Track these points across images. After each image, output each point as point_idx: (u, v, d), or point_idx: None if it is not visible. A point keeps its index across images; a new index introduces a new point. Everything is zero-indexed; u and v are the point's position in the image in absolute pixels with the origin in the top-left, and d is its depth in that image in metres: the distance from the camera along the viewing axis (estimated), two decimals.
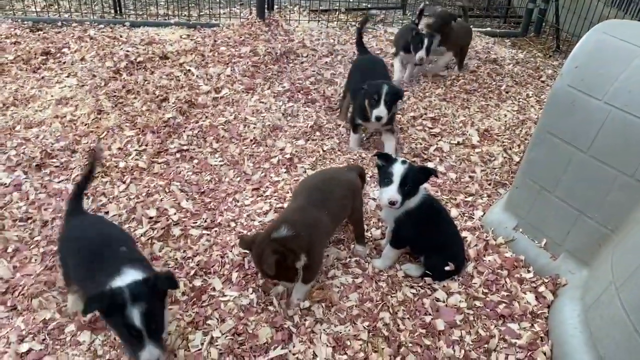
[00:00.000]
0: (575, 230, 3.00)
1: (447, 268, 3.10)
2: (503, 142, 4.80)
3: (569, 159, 2.94)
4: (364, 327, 2.82)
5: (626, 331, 2.26)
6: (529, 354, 2.71)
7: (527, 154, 3.27)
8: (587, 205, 2.91)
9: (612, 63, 2.78)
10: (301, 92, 5.49)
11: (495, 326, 2.86)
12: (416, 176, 3.01)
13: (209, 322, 2.81)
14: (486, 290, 3.07)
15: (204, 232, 3.47)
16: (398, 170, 2.97)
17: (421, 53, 5.55)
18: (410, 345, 2.72)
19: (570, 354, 2.57)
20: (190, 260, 3.23)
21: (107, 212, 3.61)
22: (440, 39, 5.94)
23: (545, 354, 2.70)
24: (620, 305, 2.34)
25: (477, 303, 2.99)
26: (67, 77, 5.45)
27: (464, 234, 3.48)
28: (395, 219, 3.13)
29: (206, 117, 4.85)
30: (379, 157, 3.09)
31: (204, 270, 3.16)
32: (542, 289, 3.05)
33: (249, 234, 3.36)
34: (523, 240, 3.35)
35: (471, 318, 2.91)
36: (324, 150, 4.48)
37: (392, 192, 2.96)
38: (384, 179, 3.02)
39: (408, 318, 2.89)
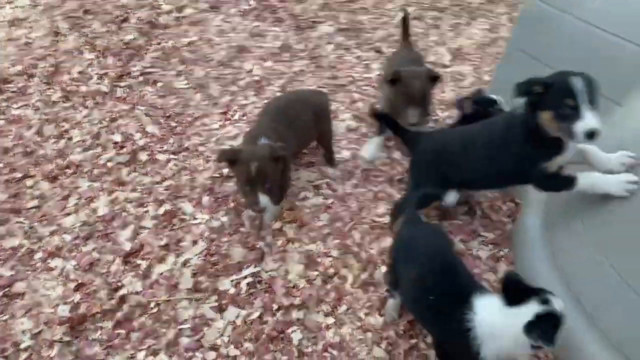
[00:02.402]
0: None
1: None
2: (474, 61, 4.76)
3: (539, 76, 2.92)
4: (334, 246, 2.88)
5: (586, 243, 2.35)
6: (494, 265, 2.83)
7: (497, 71, 3.25)
8: None
9: None
10: (268, 10, 5.27)
11: (462, 240, 2.95)
12: None
13: (181, 244, 2.83)
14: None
15: (172, 156, 3.41)
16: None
17: None
18: (379, 261, 2.79)
19: (533, 267, 2.68)
20: (159, 185, 3.19)
21: (70, 138, 3.50)
22: None
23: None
24: (581, 222, 2.42)
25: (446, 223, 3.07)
26: None
27: None
28: None
29: (169, 38, 4.65)
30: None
31: (174, 194, 3.13)
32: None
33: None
34: None
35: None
36: (293, 72, 4.37)
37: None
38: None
39: (377, 239, 2.95)
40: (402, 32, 4.08)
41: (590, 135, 2.02)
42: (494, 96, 3.01)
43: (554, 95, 2.11)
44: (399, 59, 3.77)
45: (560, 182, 2.33)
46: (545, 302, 1.86)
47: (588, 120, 2.03)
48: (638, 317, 2.08)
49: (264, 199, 2.64)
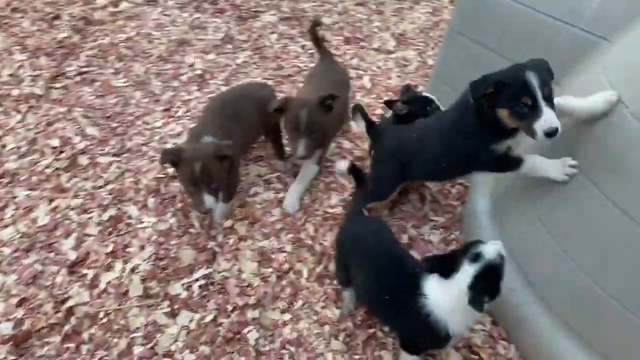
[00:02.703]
0: None
1: None
2: (418, 46, 4.78)
3: (479, 59, 2.96)
4: (288, 240, 2.85)
5: (531, 218, 2.40)
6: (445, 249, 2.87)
7: (440, 55, 3.27)
8: None
9: None
10: (208, 1, 5.13)
11: (414, 226, 2.98)
12: None
13: (128, 250, 2.74)
14: None
15: (114, 159, 3.28)
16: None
17: None
18: (332, 252, 2.78)
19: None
20: (102, 190, 3.07)
21: (3, 146, 3.32)
22: None
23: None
24: (527, 199, 2.47)
25: (398, 211, 3.09)
26: None
27: None
28: None
29: (105, 34, 4.46)
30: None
31: (118, 198, 3.02)
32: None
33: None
34: None
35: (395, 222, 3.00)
36: (237, 64, 4.28)
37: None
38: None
39: (330, 230, 2.93)
40: (314, 44, 3.63)
41: (550, 134, 2.00)
42: (427, 94, 2.96)
43: (511, 93, 2.07)
44: (315, 80, 3.36)
45: (507, 163, 2.35)
46: (475, 258, 1.90)
47: (546, 118, 1.99)
48: (586, 295, 2.14)
49: (209, 200, 2.57)
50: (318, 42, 3.58)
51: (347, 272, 2.33)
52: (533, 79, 2.01)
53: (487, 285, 1.89)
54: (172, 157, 2.60)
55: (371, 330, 2.46)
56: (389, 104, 2.96)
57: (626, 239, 1.97)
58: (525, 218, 2.47)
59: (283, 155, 3.36)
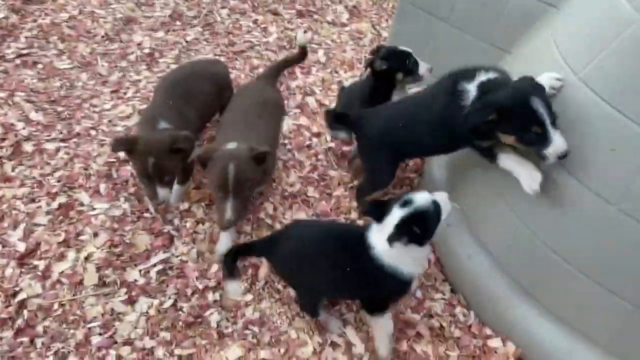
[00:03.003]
0: None
1: None
2: (371, 17, 4.74)
3: (431, 30, 2.96)
4: (247, 220, 2.81)
5: (487, 186, 2.44)
6: None
7: (393, 27, 3.25)
8: None
9: None
10: None
11: None
12: None
13: (81, 238, 2.65)
14: None
15: (61, 144, 3.14)
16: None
17: None
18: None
19: None
20: (50, 177, 2.95)
21: None
22: None
23: None
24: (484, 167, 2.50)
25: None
26: None
27: None
28: None
29: (45, 14, 4.23)
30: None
31: (68, 185, 2.90)
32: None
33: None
34: None
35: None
36: (187, 42, 4.15)
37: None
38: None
39: (290, 208, 2.91)
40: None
41: (562, 157, 1.98)
42: (404, 48, 2.91)
43: (518, 121, 2.01)
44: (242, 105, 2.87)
45: (484, 155, 2.36)
46: (405, 204, 1.95)
47: (558, 144, 1.96)
48: (542, 260, 2.20)
49: (162, 192, 2.50)
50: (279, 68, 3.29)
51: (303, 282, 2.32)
52: (540, 106, 1.95)
53: (414, 227, 1.93)
54: (125, 147, 2.52)
55: (336, 307, 2.48)
56: (369, 64, 2.93)
57: (578, 205, 2.03)
58: (482, 188, 2.51)
59: None
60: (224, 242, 2.63)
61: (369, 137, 2.73)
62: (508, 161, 2.24)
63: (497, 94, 2.07)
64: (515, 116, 2.01)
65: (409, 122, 2.55)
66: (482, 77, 2.18)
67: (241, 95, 2.97)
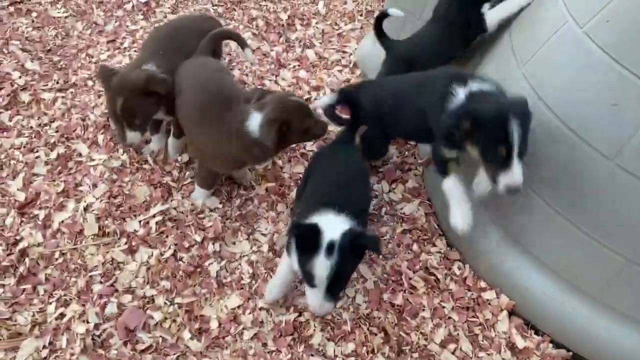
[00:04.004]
0: None
1: None
2: None
3: None
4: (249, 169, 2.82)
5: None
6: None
7: (388, 2, 3.16)
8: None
9: None
10: None
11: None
12: None
13: (80, 188, 2.66)
14: None
15: (58, 94, 3.12)
16: None
17: None
18: (292, 184, 2.78)
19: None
20: (48, 127, 2.93)
21: None
22: None
23: (416, 175, 2.90)
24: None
25: None
26: None
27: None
28: None
29: None
30: None
31: (65, 136, 2.89)
32: None
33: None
34: None
35: None
36: None
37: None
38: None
39: (289, 162, 2.92)
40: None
41: (511, 190, 1.96)
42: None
43: (488, 135, 1.97)
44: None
45: (437, 165, 2.41)
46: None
47: (515, 174, 1.94)
48: (535, 213, 2.22)
49: (131, 135, 2.48)
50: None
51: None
52: (515, 130, 1.92)
53: None
54: (101, 77, 2.50)
55: None
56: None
57: (575, 159, 2.04)
58: None
59: None
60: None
61: (365, 109, 2.65)
62: (451, 189, 2.29)
63: (480, 104, 2.04)
64: (487, 130, 1.98)
65: (397, 104, 2.54)
66: (474, 86, 2.14)
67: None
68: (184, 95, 2.47)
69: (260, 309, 2.30)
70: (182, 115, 2.52)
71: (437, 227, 2.72)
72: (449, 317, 2.38)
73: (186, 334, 2.19)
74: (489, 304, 2.43)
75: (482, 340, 2.32)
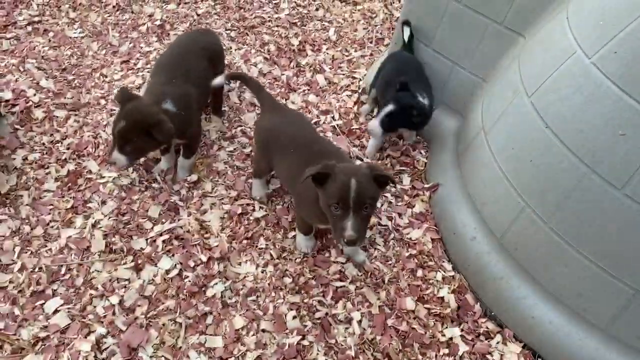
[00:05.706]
0: (450, 81, 3.09)
1: None
2: None
3: (444, 10, 2.92)
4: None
5: (492, 170, 2.44)
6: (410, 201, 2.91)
7: (404, 6, 3.21)
8: (461, 56, 2.98)
9: None
10: None
11: None
12: None
13: (89, 205, 2.68)
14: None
15: (71, 112, 3.17)
16: None
17: None
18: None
19: (446, 195, 2.78)
20: (60, 144, 2.97)
21: None
22: None
23: (423, 201, 2.90)
24: (488, 149, 2.51)
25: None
26: None
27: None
28: None
29: None
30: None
31: (77, 153, 2.93)
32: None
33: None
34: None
35: None
36: (198, 15, 4.13)
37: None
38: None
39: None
40: None
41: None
42: None
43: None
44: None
45: None
46: None
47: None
48: (543, 242, 2.21)
49: (117, 156, 2.52)
50: None
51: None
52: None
53: None
54: (119, 100, 2.56)
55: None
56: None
57: (584, 188, 2.03)
58: (487, 172, 2.52)
59: (221, 111, 3.26)
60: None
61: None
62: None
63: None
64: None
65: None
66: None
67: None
68: (289, 157, 2.48)
69: (263, 330, 2.29)
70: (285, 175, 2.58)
71: (443, 252, 2.71)
72: (456, 345, 2.34)
73: (192, 354, 2.18)
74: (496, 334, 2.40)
75: None
